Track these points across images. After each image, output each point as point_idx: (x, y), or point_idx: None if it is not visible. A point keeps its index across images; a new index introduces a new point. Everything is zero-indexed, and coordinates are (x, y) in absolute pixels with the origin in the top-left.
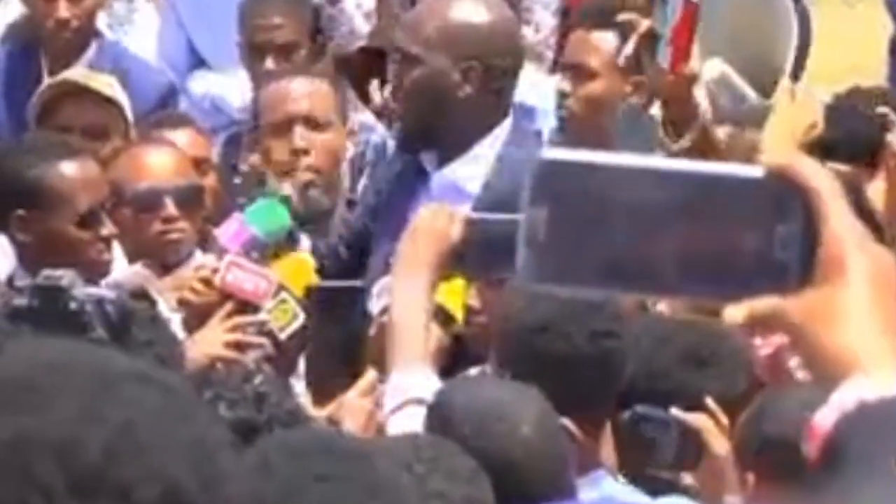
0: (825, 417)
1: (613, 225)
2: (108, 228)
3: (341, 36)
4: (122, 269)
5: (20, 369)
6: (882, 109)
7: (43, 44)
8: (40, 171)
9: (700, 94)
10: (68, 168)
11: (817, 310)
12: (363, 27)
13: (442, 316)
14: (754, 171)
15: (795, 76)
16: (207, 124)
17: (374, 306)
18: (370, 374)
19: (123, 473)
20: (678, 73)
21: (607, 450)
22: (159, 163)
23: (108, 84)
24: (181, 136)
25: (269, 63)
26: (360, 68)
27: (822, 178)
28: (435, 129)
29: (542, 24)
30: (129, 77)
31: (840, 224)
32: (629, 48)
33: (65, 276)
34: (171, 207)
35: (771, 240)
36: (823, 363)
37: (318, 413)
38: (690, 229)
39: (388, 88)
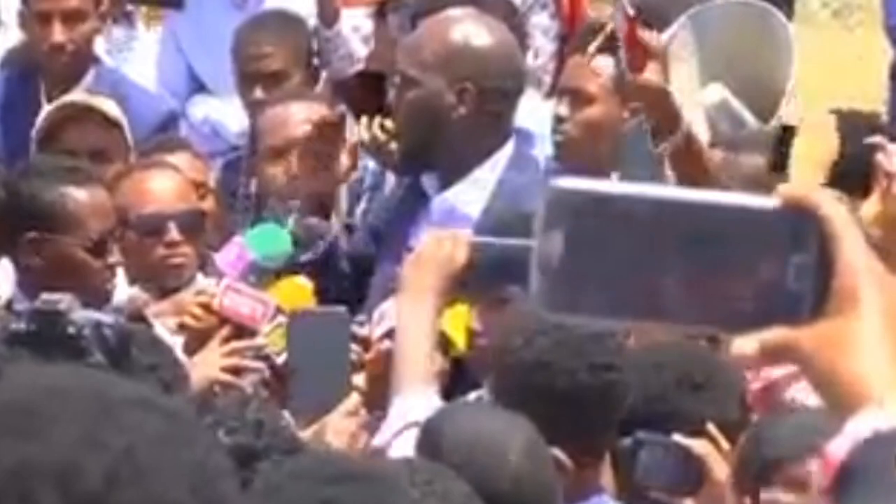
0: (838, 447)
1: (626, 254)
2: (115, 257)
3: (339, 58)
4: (120, 294)
5: (21, 394)
6: (871, 138)
7: (41, 69)
8: (56, 195)
9: (681, 103)
10: (82, 194)
11: (831, 340)
12: (360, 50)
13: (443, 342)
14: (769, 202)
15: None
16: (206, 149)
17: (374, 330)
18: (354, 397)
19: (124, 499)
20: (636, 79)
21: (607, 477)
22: (163, 187)
23: (111, 105)
24: (178, 160)
25: (258, 92)
26: (358, 93)
27: (837, 209)
28: (431, 150)
29: (541, 49)
30: (127, 103)
31: (855, 255)
32: (593, 47)
33: (63, 300)
34: (174, 232)
35: (785, 270)
36: (836, 393)
37: (302, 434)
38: (704, 259)
39: (376, 123)
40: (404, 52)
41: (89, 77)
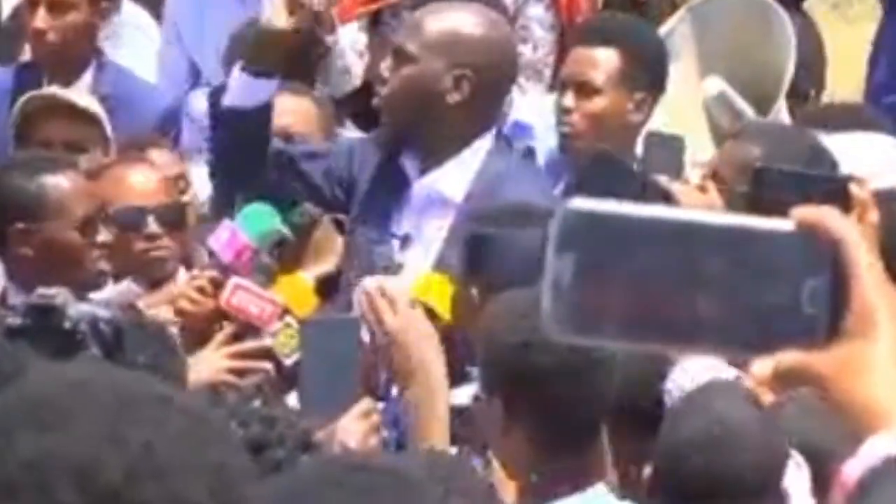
0: (854, 468)
1: (639, 276)
2: (103, 235)
3: (338, 73)
4: (112, 288)
5: (44, 389)
6: (843, 172)
7: (43, 62)
8: (38, 184)
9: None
10: (62, 180)
11: (847, 363)
12: (357, 66)
13: (429, 314)
14: (784, 225)
15: (816, 92)
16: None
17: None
18: (366, 400)
19: (142, 495)
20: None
21: (605, 463)
22: (141, 182)
23: (86, 98)
24: (154, 157)
25: None
26: (353, 100)
27: (853, 233)
28: (416, 130)
29: (540, 42)
30: (129, 98)
31: (871, 279)
32: None
33: (59, 294)
34: (153, 226)
35: (799, 294)
36: (852, 416)
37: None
38: (717, 282)
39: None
40: (406, 28)
41: (90, 72)
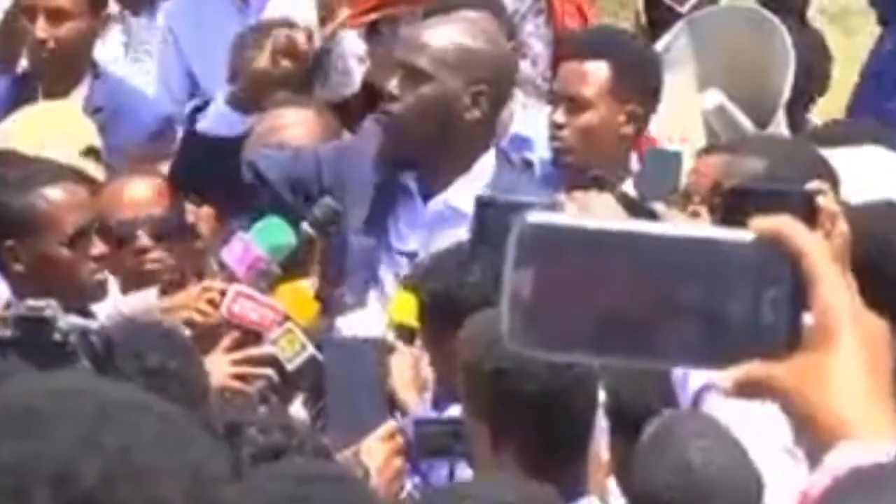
0: (817, 482)
1: (598, 289)
2: (98, 248)
3: (338, 74)
4: (132, 295)
5: (21, 396)
6: (814, 184)
7: (39, 72)
8: (25, 199)
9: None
10: (53, 192)
11: (809, 375)
12: (357, 70)
13: (404, 333)
14: (744, 235)
15: (819, 94)
16: None
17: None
18: (390, 422)
19: (118, 498)
20: None
21: (595, 476)
22: (134, 194)
23: None
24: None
25: None
26: (351, 106)
27: (814, 244)
28: (432, 149)
29: (539, 57)
30: (124, 109)
31: (832, 290)
32: None
33: (48, 306)
34: (143, 239)
35: (760, 304)
36: (815, 428)
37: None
38: (677, 293)
39: None
40: (411, 44)
41: (86, 83)
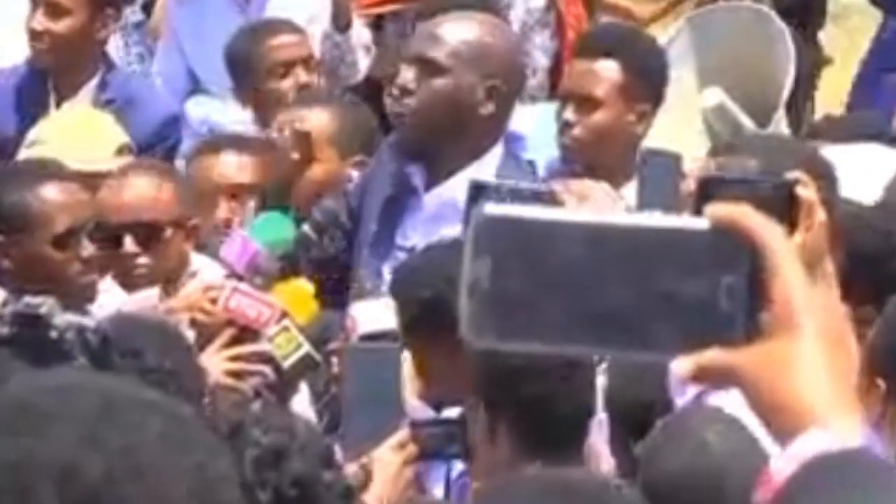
0: (782, 468)
1: (556, 280)
2: (88, 250)
3: (346, 66)
4: (138, 297)
5: (25, 393)
6: (792, 174)
7: (40, 64)
8: (17, 196)
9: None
10: (45, 191)
11: (770, 362)
12: (363, 60)
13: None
14: (699, 223)
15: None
16: None
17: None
18: (403, 431)
19: (122, 496)
20: None
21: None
22: (125, 197)
23: None
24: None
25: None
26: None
27: (771, 231)
28: (443, 142)
29: (538, 68)
30: (134, 102)
31: (791, 277)
32: None
33: (44, 303)
34: (128, 244)
35: (716, 291)
36: (777, 415)
37: (350, 465)
38: (634, 283)
39: None
40: (427, 38)
41: (96, 78)
